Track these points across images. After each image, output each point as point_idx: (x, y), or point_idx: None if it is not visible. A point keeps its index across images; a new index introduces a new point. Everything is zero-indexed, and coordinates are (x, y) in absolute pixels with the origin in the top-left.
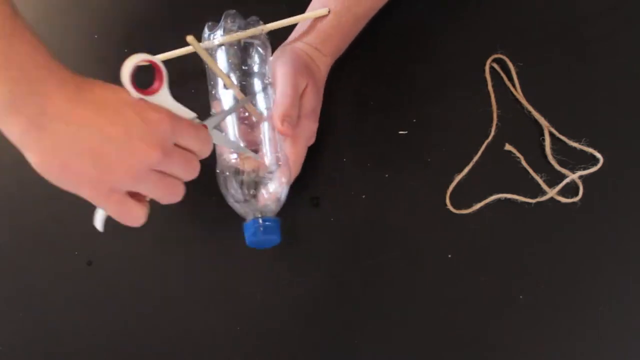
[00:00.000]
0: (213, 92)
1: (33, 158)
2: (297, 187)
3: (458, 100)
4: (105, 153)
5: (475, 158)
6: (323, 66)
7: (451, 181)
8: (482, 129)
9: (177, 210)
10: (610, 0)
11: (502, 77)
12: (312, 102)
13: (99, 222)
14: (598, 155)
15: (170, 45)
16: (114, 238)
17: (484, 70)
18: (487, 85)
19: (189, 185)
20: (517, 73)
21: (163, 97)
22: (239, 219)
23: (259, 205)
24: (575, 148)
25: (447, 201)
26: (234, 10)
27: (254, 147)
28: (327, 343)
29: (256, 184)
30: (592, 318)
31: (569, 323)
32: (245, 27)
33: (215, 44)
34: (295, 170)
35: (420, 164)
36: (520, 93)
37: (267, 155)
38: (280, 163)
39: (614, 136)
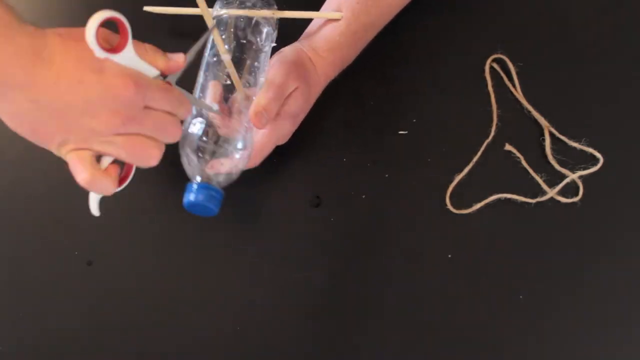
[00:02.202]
0: (205, 54)
1: (4, 119)
2: (297, 187)
3: (458, 100)
4: (69, 118)
5: (475, 158)
6: (324, 76)
7: (451, 181)
8: (482, 129)
9: (177, 210)
10: (611, 0)
11: (502, 77)
12: (297, 106)
13: (93, 205)
14: (598, 155)
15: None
16: (114, 238)
17: (484, 70)
18: (487, 85)
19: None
20: (517, 73)
21: (128, 55)
22: (239, 220)
23: (208, 171)
24: (575, 148)
25: (447, 201)
26: None
27: (228, 120)
28: (327, 343)
29: (214, 152)
30: (592, 318)
31: (569, 323)
32: (259, 6)
33: (223, 13)
34: (254, 161)
35: (420, 164)
36: (520, 93)
37: (236, 127)
38: (245, 142)
39: (614, 136)
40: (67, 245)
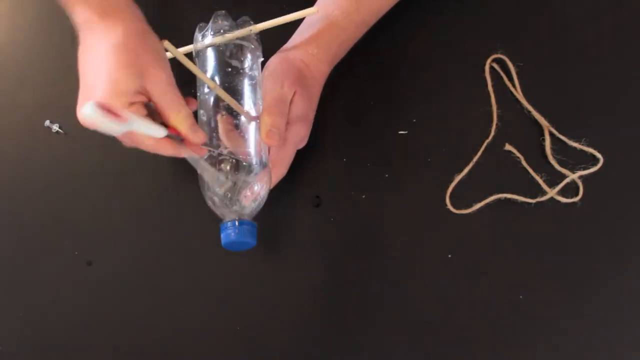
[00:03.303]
0: (198, 94)
1: None
2: (297, 187)
3: (458, 100)
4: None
5: (475, 158)
6: (318, 73)
7: (451, 181)
8: (482, 129)
9: (177, 210)
10: (611, 0)
11: (502, 77)
12: (301, 108)
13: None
14: (598, 155)
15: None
16: (114, 238)
17: (484, 70)
18: (487, 85)
19: (189, 185)
20: (517, 73)
21: (132, 124)
22: None
23: (236, 207)
24: (575, 148)
25: (447, 201)
26: (224, 11)
27: (239, 148)
28: (327, 343)
29: (235, 185)
30: (592, 318)
31: (569, 323)
32: (236, 28)
33: (205, 44)
34: (282, 171)
35: (420, 164)
36: (520, 93)
37: (251, 156)
38: (262, 166)
39: (614, 136)
40: (67, 245)
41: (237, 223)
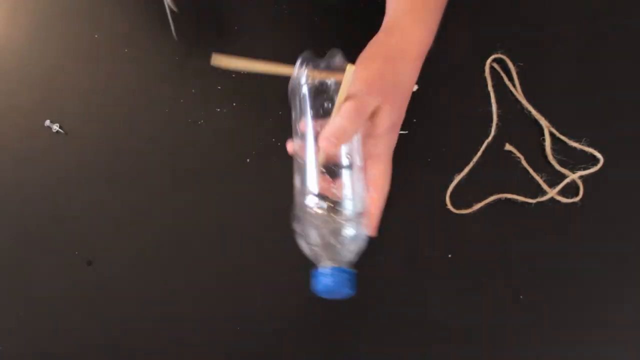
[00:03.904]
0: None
1: None
2: None
3: (458, 100)
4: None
5: (475, 158)
6: (407, 76)
7: (451, 181)
8: (482, 129)
9: (177, 210)
10: (611, 0)
11: (502, 77)
12: (388, 120)
13: None
14: (598, 155)
15: (171, 46)
16: (114, 238)
17: (484, 70)
18: (487, 85)
19: (189, 185)
20: (517, 73)
21: None
22: (239, 220)
23: (334, 253)
24: (575, 148)
25: (447, 201)
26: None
27: (335, 197)
28: (327, 343)
29: (336, 231)
30: (592, 318)
31: (569, 323)
32: (334, 65)
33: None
34: (385, 186)
35: (420, 164)
36: (520, 93)
37: (348, 204)
38: (364, 204)
39: (614, 136)
40: (67, 245)
41: (336, 270)
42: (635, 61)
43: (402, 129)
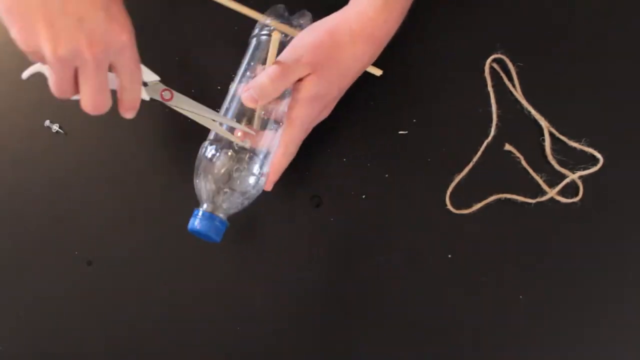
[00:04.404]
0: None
1: None
2: (297, 187)
3: (458, 100)
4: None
5: (475, 158)
6: (349, 53)
7: (451, 181)
8: (482, 129)
9: (176, 210)
10: (611, 0)
11: (502, 77)
12: (310, 89)
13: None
14: (598, 155)
15: (170, 46)
16: (114, 238)
17: (484, 70)
18: (487, 85)
19: (189, 185)
20: (517, 73)
21: None
22: (239, 220)
23: (220, 199)
24: (575, 148)
25: (447, 201)
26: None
27: (250, 145)
28: (327, 343)
29: (234, 177)
30: (592, 318)
31: (569, 323)
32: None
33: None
34: (289, 151)
35: (420, 164)
36: (520, 93)
37: (259, 155)
38: (263, 165)
39: (614, 136)
40: (67, 245)
41: (209, 215)
42: (635, 61)
43: (402, 129)
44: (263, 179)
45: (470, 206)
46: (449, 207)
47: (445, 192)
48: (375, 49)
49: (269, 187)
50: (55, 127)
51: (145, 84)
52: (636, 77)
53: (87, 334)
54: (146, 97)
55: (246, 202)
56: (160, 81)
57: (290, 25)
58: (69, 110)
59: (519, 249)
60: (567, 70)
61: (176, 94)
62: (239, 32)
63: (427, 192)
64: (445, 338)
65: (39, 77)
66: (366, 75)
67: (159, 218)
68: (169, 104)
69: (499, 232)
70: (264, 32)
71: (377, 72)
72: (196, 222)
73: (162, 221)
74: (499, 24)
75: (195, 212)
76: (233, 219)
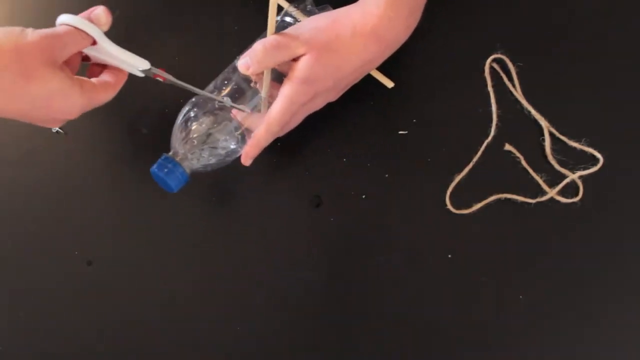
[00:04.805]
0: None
1: None
2: (297, 187)
3: (458, 100)
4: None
5: (475, 158)
6: (350, 46)
7: (451, 181)
8: (482, 129)
9: (177, 210)
10: (611, 0)
11: (502, 77)
12: (304, 70)
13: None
14: (598, 155)
15: (170, 46)
16: (114, 238)
17: (484, 70)
18: (487, 85)
19: (189, 185)
20: (517, 73)
21: (101, 50)
22: (239, 220)
23: (195, 152)
24: (575, 148)
25: (447, 201)
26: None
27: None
28: (327, 343)
29: (208, 135)
30: (592, 318)
31: (569, 323)
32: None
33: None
34: (269, 133)
35: (420, 164)
36: (520, 93)
37: (247, 119)
38: (242, 139)
39: (614, 136)
40: (67, 245)
41: (172, 163)
42: (635, 61)
43: (402, 129)
44: (236, 147)
45: (470, 206)
46: (449, 207)
47: (445, 192)
48: (379, 49)
49: (246, 161)
50: (55, 127)
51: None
52: (636, 77)
53: (87, 334)
54: (140, 74)
55: (213, 161)
56: (151, 64)
57: (308, 13)
58: None
59: (519, 249)
60: (567, 70)
61: (168, 77)
62: (239, 32)
63: (427, 192)
64: (445, 338)
65: None
66: (366, 75)
67: (159, 218)
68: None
69: (499, 232)
70: (286, 18)
71: (389, 83)
72: (163, 170)
73: (162, 221)
74: (499, 24)
75: (165, 158)
76: (233, 219)
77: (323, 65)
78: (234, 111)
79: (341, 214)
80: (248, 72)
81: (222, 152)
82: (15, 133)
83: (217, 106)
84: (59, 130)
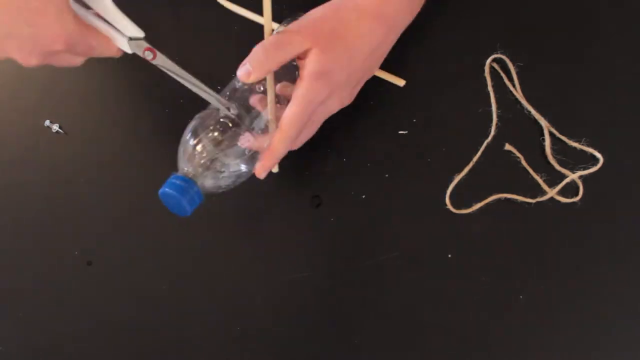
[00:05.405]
0: None
1: None
2: (297, 187)
3: (458, 100)
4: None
5: (475, 158)
6: (356, 29)
7: (451, 181)
8: (482, 129)
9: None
10: (611, 0)
11: (502, 77)
12: (313, 64)
13: None
14: (598, 155)
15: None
16: (114, 238)
17: (484, 70)
18: (487, 85)
19: None
20: (517, 73)
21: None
22: (239, 220)
23: (206, 172)
24: (575, 148)
25: (447, 201)
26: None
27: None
28: (327, 343)
29: (216, 156)
30: (592, 318)
31: (569, 323)
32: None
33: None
34: (285, 139)
35: (420, 164)
36: (520, 93)
37: (251, 142)
38: (248, 163)
39: (614, 136)
40: (67, 245)
41: (186, 181)
42: (635, 61)
43: (402, 129)
44: (245, 166)
45: (470, 206)
46: (449, 207)
47: (445, 192)
48: (386, 30)
49: (261, 174)
50: (55, 127)
51: (130, 38)
52: (636, 77)
53: (87, 334)
54: (128, 51)
55: (226, 181)
56: (145, 38)
57: None
58: (69, 110)
59: (519, 249)
60: (567, 70)
61: (159, 55)
62: (239, 32)
63: (427, 192)
64: (446, 338)
65: (39, 78)
66: (373, 76)
67: (159, 218)
68: (153, 62)
69: (499, 232)
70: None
71: (400, 82)
72: (167, 187)
73: (162, 221)
74: (499, 24)
75: (175, 176)
76: (233, 219)
77: (332, 56)
78: (241, 139)
79: (341, 214)
80: (250, 80)
81: (229, 166)
82: (15, 133)
83: (222, 115)
84: (59, 130)
